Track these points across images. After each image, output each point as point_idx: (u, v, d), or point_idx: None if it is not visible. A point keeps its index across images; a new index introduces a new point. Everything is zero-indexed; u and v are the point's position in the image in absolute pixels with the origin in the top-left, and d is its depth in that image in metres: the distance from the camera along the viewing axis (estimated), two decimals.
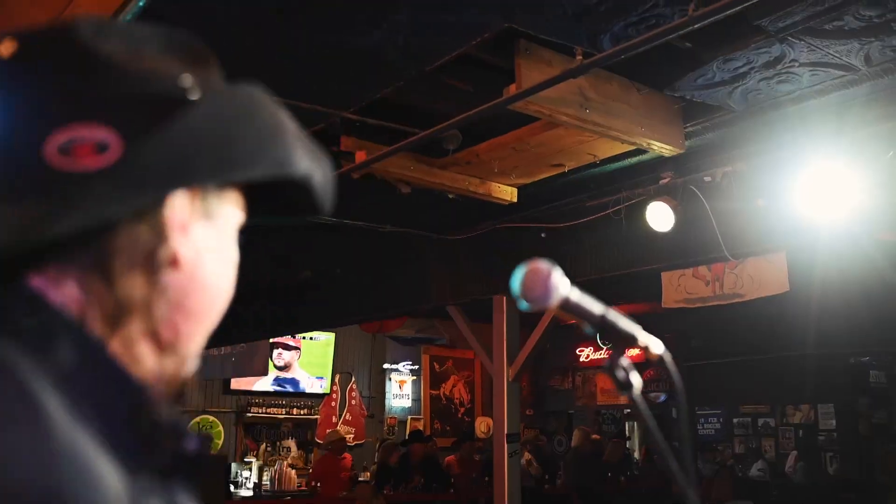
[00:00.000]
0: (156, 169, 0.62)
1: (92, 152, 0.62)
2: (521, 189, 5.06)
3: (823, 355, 8.87)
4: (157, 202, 0.66)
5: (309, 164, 0.72)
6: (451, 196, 4.96)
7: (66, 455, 0.54)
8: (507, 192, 5.05)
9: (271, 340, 10.30)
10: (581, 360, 12.05)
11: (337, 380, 11.57)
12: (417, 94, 3.87)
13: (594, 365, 11.75)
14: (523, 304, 0.94)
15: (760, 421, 13.50)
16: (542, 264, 0.92)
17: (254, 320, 7.81)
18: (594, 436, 10.57)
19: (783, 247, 4.63)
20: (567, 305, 0.91)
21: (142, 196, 0.62)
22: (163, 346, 0.68)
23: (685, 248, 4.94)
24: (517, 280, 0.92)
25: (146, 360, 0.68)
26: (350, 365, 11.84)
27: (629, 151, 4.40)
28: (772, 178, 4.39)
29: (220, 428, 10.55)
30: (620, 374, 0.96)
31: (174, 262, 0.68)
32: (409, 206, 5.23)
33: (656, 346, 1.02)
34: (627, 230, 5.05)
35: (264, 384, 10.94)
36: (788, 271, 4.71)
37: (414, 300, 6.90)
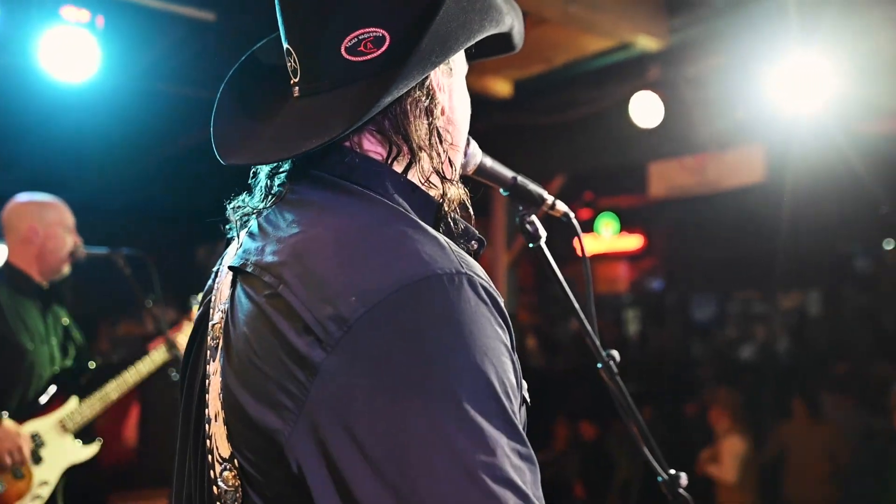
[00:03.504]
0: (425, 53, 0.90)
1: (371, 46, 0.92)
2: (515, 85, 5.26)
3: (809, 243, 9.17)
4: (427, 75, 0.94)
5: (511, 19, 1.02)
6: None
7: (445, 245, 0.86)
8: (502, 87, 5.26)
9: None
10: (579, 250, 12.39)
11: None
12: None
13: (594, 255, 12.11)
14: None
15: (754, 307, 13.93)
16: None
17: None
18: None
19: (761, 138, 4.85)
20: (483, 169, 1.20)
21: (421, 73, 0.91)
22: (444, 175, 0.99)
23: (671, 141, 5.17)
24: None
25: (437, 187, 0.99)
26: None
27: (617, 47, 4.58)
28: (753, 71, 4.57)
29: None
30: (531, 226, 1.26)
31: (442, 112, 0.98)
32: None
33: (561, 205, 1.32)
34: (617, 124, 5.27)
35: None
36: (773, 163, 4.96)
37: None
